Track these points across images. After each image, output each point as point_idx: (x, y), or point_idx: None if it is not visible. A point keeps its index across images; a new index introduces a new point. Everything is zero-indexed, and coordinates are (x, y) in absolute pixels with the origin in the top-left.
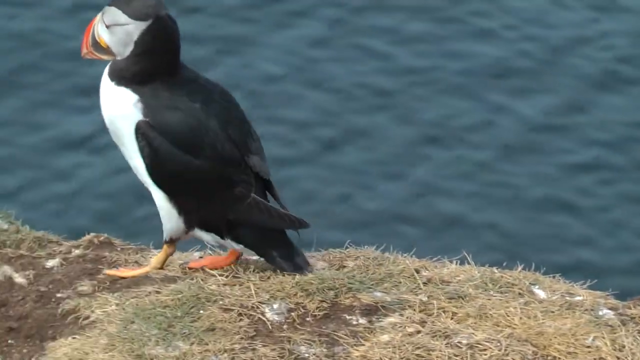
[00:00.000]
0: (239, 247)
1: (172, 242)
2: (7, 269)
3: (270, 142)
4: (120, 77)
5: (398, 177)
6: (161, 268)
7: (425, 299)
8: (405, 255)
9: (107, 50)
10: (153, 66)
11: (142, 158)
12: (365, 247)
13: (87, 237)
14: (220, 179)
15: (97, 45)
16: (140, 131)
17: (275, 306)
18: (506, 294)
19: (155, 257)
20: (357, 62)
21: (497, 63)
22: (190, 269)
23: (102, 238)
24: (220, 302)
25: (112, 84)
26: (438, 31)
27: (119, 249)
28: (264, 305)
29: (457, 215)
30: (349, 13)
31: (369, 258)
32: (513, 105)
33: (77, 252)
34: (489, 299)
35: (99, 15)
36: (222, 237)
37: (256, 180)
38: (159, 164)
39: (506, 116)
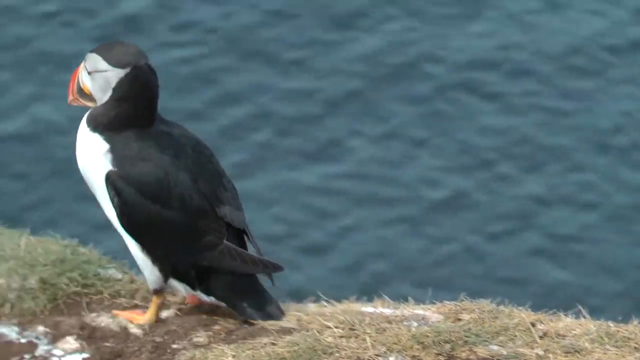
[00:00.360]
0: (208, 299)
1: (157, 292)
2: (122, 320)
3: (383, 203)
4: (97, 124)
5: (511, 236)
6: (157, 320)
7: (541, 352)
8: (521, 308)
9: (90, 97)
10: (128, 114)
11: (113, 208)
12: (480, 299)
13: None
14: (189, 229)
15: (82, 91)
16: (110, 181)
17: (391, 359)
18: (622, 349)
19: (148, 310)
20: (462, 127)
21: (602, 126)
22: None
23: None
24: (337, 354)
25: (88, 129)
26: (546, 93)
27: None
28: (380, 358)
29: (569, 273)
30: (451, 70)
31: (484, 311)
32: (624, 167)
33: None
34: (605, 353)
35: (83, 62)
36: (194, 289)
37: (230, 229)
38: (128, 213)
39: (621, 178)
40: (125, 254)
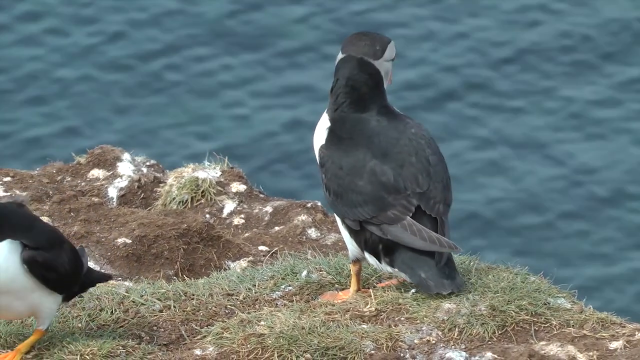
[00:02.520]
0: (391, 270)
1: (355, 262)
2: (572, 349)
3: None
4: (328, 106)
5: None
6: (358, 289)
7: None
8: None
9: None
10: (341, 98)
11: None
12: None
13: None
14: (375, 199)
15: None
16: (319, 154)
17: None
18: None
19: (351, 284)
20: None
21: None
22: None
23: None
24: None
25: (325, 111)
26: None
27: None
28: None
29: None
30: None
31: None
32: None
33: None
34: None
35: None
36: (380, 261)
37: (423, 213)
38: (327, 183)
39: None
40: (576, 282)
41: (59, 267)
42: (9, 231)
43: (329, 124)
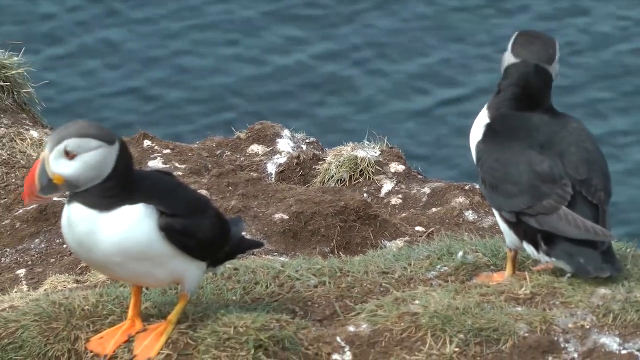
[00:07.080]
0: (549, 260)
1: (511, 250)
2: None
3: None
4: (491, 104)
5: None
6: (513, 273)
7: None
8: None
9: None
10: (512, 99)
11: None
12: None
13: None
14: (531, 190)
15: None
16: (477, 149)
17: None
18: None
19: (506, 267)
20: None
21: None
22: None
23: None
24: None
25: (485, 106)
26: None
27: None
28: None
29: None
30: None
31: None
32: None
33: None
34: None
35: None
36: (537, 250)
37: (583, 202)
38: (483, 176)
39: None
40: None
41: (198, 234)
42: (143, 196)
43: (487, 121)
